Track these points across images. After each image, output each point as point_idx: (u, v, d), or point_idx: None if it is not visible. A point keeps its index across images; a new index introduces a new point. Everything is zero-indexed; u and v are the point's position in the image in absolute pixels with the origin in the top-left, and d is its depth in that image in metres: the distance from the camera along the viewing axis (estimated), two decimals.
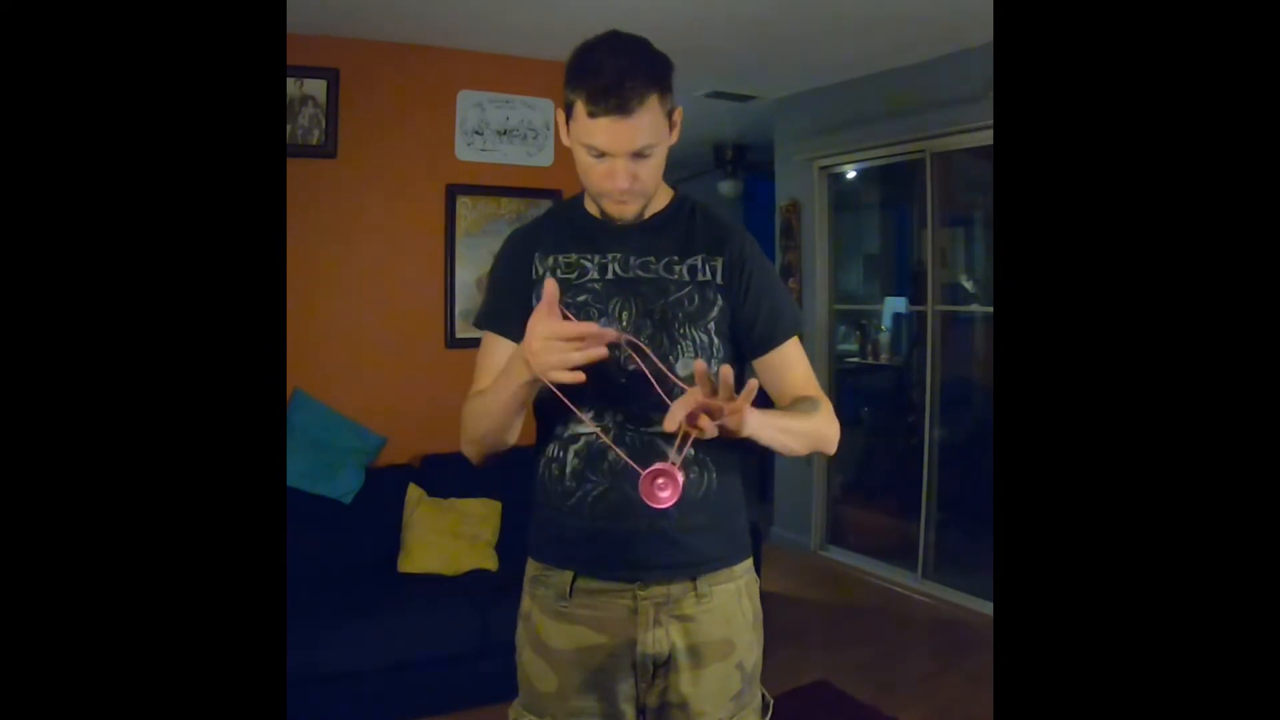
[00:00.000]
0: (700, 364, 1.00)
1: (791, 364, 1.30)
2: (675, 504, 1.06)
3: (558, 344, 1.03)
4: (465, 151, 3.60)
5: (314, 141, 3.30)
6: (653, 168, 1.19)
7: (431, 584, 2.96)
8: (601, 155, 1.16)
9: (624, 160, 1.16)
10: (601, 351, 1.03)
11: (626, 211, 1.23)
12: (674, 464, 1.05)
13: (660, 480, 1.05)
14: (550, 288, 1.05)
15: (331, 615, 2.66)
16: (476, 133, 3.62)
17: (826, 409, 1.25)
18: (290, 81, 3.23)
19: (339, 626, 2.63)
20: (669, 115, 1.18)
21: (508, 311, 1.29)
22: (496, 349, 1.29)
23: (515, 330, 1.25)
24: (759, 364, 1.31)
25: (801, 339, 1.34)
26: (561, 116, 1.21)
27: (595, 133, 1.13)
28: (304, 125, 3.29)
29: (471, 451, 1.28)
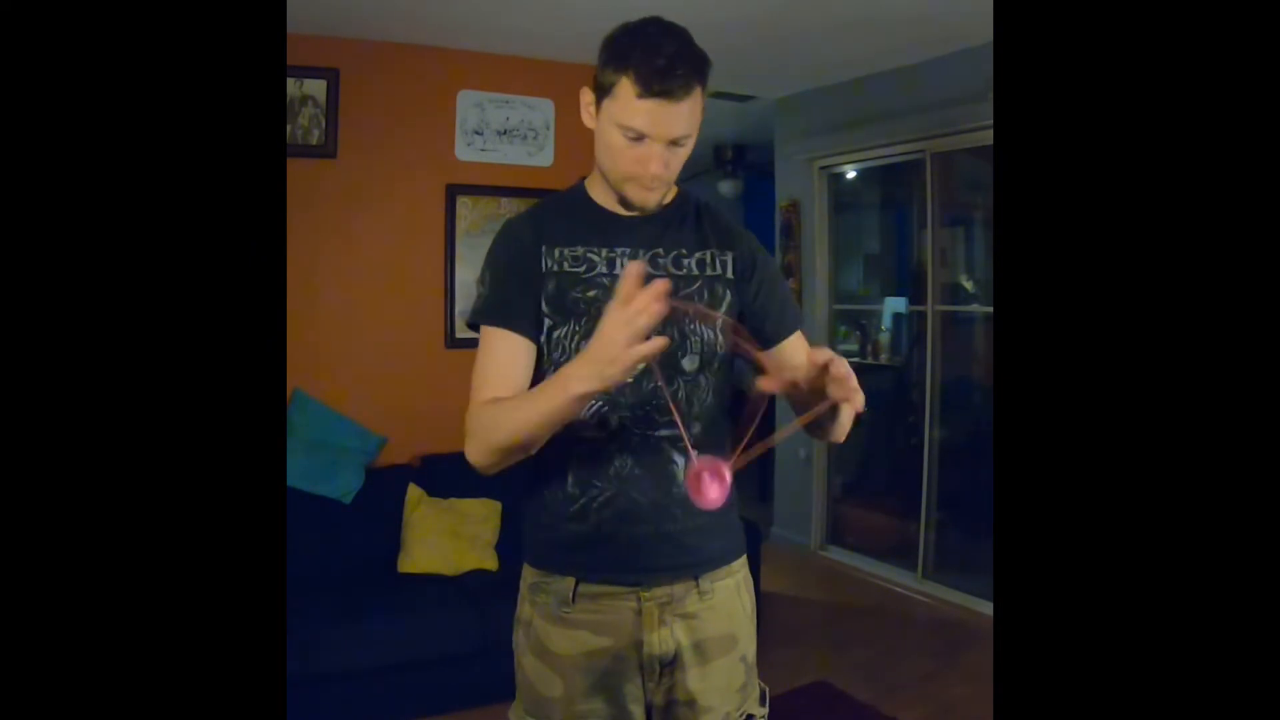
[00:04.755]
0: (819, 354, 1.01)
1: (799, 350, 1.30)
2: (723, 502, 1.03)
3: (629, 315, 0.96)
4: (465, 151, 3.60)
5: (314, 141, 3.30)
6: (682, 158, 1.18)
7: (431, 584, 2.96)
8: (639, 139, 1.13)
9: (661, 146, 1.14)
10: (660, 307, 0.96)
11: (650, 199, 1.20)
12: (725, 460, 1.02)
13: (708, 476, 1.02)
14: (636, 271, 0.98)
15: (331, 615, 2.66)
16: (476, 133, 3.62)
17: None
18: (290, 81, 3.23)
19: (339, 626, 2.63)
20: (701, 110, 1.17)
21: (514, 304, 1.22)
22: (503, 345, 1.21)
23: (524, 324, 1.21)
24: (771, 356, 1.29)
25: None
26: (588, 97, 1.18)
27: (639, 115, 1.11)
28: (304, 125, 3.29)
29: (487, 460, 1.17)
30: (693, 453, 1.07)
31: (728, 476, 1.03)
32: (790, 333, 1.31)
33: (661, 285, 0.97)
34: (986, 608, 3.54)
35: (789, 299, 1.34)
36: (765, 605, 3.70)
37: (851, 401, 1.03)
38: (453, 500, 3.21)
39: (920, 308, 4.11)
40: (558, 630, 1.25)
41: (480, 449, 1.17)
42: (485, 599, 2.81)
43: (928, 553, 3.99)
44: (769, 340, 1.30)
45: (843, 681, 3.03)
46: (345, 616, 2.68)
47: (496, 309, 1.23)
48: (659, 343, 0.98)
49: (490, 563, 3.11)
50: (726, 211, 1.37)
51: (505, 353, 1.21)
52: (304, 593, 2.59)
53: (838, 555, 4.47)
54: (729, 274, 1.27)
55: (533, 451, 1.15)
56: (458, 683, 2.75)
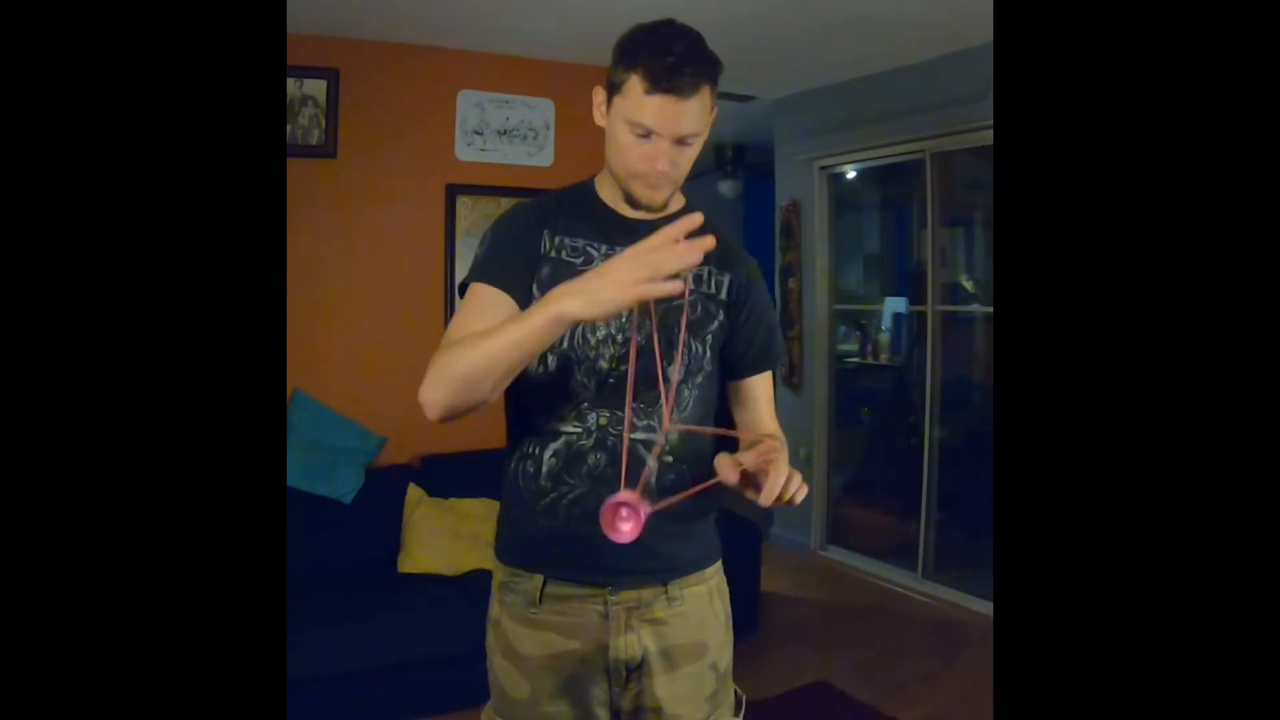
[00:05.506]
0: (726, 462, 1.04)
1: (764, 393, 1.34)
2: (635, 539, 1.04)
3: (656, 253, 0.95)
4: (465, 151, 3.60)
5: (314, 141, 3.31)
6: (690, 158, 1.19)
7: (431, 584, 2.96)
8: (647, 135, 1.14)
9: (668, 143, 1.15)
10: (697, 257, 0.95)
11: (657, 197, 1.21)
12: (637, 494, 1.03)
13: (623, 512, 1.03)
14: (693, 220, 0.97)
15: (331, 616, 2.66)
16: (476, 133, 3.62)
17: (785, 448, 1.27)
18: (290, 81, 3.23)
19: (339, 627, 2.63)
20: (710, 111, 1.18)
21: (510, 269, 1.20)
22: (491, 300, 1.17)
23: (516, 289, 1.19)
24: (734, 386, 1.34)
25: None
26: (600, 97, 1.20)
27: (647, 111, 1.12)
28: (304, 125, 3.29)
29: (441, 395, 1.09)
30: (624, 490, 1.07)
31: (643, 515, 1.04)
32: (765, 369, 1.34)
33: (707, 241, 0.96)
34: (986, 608, 3.54)
35: (775, 332, 1.35)
36: (765, 605, 3.72)
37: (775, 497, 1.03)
38: (453, 500, 3.21)
39: (920, 308, 4.11)
40: (525, 631, 1.26)
41: (436, 382, 1.09)
42: (485, 599, 2.80)
43: (928, 553, 3.99)
44: (743, 370, 1.32)
45: (843, 681, 3.03)
46: (345, 616, 2.68)
47: (490, 268, 1.21)
48: (675, 285, 0.95)
49: (490, 563, 3.11)
50: (731, 231, 1.37)
51: (492, 307, 1.17)
52: (304, 593, 2.59)
53: (838, 555, 4.47)
54: (723, 295, 1.28)
55: (492, 397, 1.09)
56: (458, 683, 2.73)
